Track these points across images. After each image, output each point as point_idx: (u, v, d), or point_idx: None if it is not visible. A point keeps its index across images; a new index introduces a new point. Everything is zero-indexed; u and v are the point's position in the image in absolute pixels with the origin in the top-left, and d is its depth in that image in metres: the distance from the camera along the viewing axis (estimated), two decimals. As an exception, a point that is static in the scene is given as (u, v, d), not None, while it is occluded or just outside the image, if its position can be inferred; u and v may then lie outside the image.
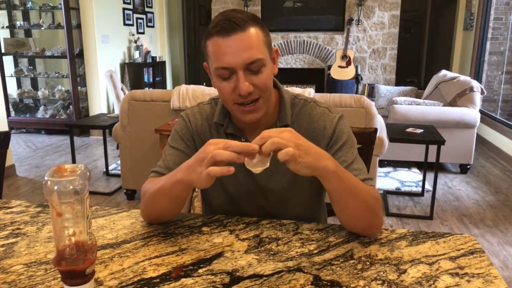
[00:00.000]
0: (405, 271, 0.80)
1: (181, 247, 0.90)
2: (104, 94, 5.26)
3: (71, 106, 5.18)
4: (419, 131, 2.96)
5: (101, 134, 4.48)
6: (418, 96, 4.80)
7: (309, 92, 2.74)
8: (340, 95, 2.73)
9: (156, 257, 0.86)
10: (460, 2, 5.83)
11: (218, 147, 0.81)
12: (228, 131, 1.06)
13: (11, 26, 5.31)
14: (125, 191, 3.19)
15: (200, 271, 0.81)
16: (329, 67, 5.99)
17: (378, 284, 0.76)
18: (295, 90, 2.99)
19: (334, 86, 5.76)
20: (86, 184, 0.68)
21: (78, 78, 5.21)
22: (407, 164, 3.95)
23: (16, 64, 5.49)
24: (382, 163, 3.90)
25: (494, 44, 5.07)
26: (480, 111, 3.86)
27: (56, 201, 0.66)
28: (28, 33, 5.43)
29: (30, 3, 5.14)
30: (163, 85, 6.62)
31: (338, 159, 1.00)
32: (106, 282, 0.77)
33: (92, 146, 4.77)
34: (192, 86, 2.89)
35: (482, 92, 3.76)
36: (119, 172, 3.59)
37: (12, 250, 0.89)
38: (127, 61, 5.79)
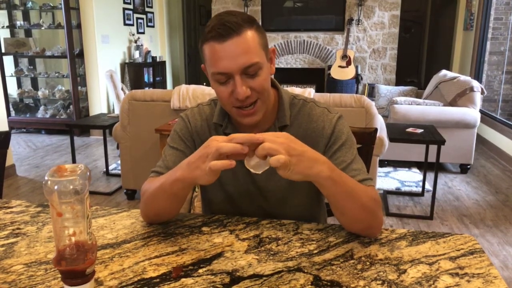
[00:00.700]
0: (405, 271, 0.80)
1: (181, 247, 0.90)
2: (104, 94, 5.26)
3: (71, 106, 5.18)
4: (419, 131, 2.96)
5: (101, 134, 4.49)
6: (418, 96, 4.80)
7: (309, 92, 2.74)
8: (340, 95, 2.73)
9: (156, 257, 0.86)
10: (460, 2, 5.83)
11: (222, 141, 0.81)
12: (227, 131, 1.06)
13: (11, 26, 5.31)
14: (125, 191, 3.20)
15: (200, 271, 0.81)
16: (329, 67, 5.99)
17: (378, 284, 0.76)
18: (295, 90, 2.99)
19: (334, 86, 5.76)
20: (86, 184, 0.68)
21: (78, 78, 5.21)
22: (407, 164, 3.95)
23: (16, 64, 5.49)
24: (382, 163, 3.90)
25: (494, 44, 5.07)
26: (480, 111, 3.86)
27: (56, 201, 0.66)
28: (28, 33, 5.43)
29: (30, 3, 5.14)
30: (163, 85, 6.62)
31: (337, 159, 1.01)
32: (106, 282, 0.77)
33: (92, 146, 4.77)
34: (192, 86, 2.89)
35: (482, 92, 3.76)
36: (119, 172, 3.59)
37: (12, 250, 0.89)
38: (127, 61, 5.79)
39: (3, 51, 5.10)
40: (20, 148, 4.65)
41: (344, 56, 5.76)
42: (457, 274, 0.79)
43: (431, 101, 3.82)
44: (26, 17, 5.37)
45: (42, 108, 5.37)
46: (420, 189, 3.34)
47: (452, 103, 3.82)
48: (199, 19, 8.66)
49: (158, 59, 6.38)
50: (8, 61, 5.34)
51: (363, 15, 5.95)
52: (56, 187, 0.65)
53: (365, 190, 0.93)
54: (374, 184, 1.19)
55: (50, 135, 5.23)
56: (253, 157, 0.82)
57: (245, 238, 0.94)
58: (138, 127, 2.98)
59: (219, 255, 0.86)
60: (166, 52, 7.03)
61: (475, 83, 3.74)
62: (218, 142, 0.82)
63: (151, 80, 6.12)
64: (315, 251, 0.88)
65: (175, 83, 7.41)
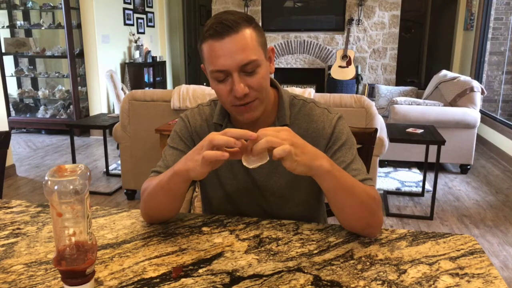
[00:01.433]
0: (405, 271, 0.80)
1: (181, 247, 0.90)
2: (105, 94, 5.26)
3: (71, 106, 5.18)
4: (420, 131, 2.96)
5: (101, 134, 4.49)
6: (419, 96, 4.80)
7: (309, 92, 2.74)
8: (341, 95, 2.73)
9: (156, 257, 0.86)
10: (460, 2, 5.83)
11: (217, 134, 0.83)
12: (227, 131, 1.07)
13: (12, 26, 5.31)
14: (125, 191, 3.20)
15: (200, 271, 0.81)
16: (330, 67, 5.99)
17: (378, 284, 0.76)
18: (295, 90, 2.99)
19: (335, 86, 5.76)
20: (86, 184, 0.68)
21: (79, 78, 5.21)
22: (407, 164, 3.95)
23: (16, 64, 5.49)
24: (383, 163, 3.90)
25: (495, 44, 5.07)
26: (481, 111, 3.86)
27: (56, 201, 0.66)
28: (28, 33, 5.43)
29: (30, 3, 5.14)
30: (163, 85, 6.63)
31: (337, 159, 1.01)
32: (106, 282, 0.77)
33: (93, 146, 4.77)
34: (192, 86, 2.89)
35: (482, 92, 3.76)
36: (120, 172, 3.59)
37: (12, 250, 0.89)
38: (127, 61, 5.79)
39: (3, 51, 5.10)
40: (20, 148, 4.65)
41: (344, 56, 5.76)
42: (457, 274, 0.79)
43: (431, 101, 3.82)
44: (26, 17, 5.37)
45: (42, 108, 5.37)
46: (420, 189, 3.34)
47: (452, 103, 3.81)
48: (199, 19, 8.66)
49: (158, 59, 6.38)
50: (8, 61, 5.34)
51: (363, 15, 5.95)
52: (56, 187, 0.65)
53: (364, 188, 0.93)
54: (374, 184, 1.19)
55: (50, 135, 5.23)
56: (250, 156, 0.82)
57: (245, 238, 0.94)
58: (138, 127, 2.98)
59: (219, 255, 0.87)
60: (166, 52, 7.03)
61: (475, 83, 3.74)
62: (213, 135, 0.83)
63: (151, 80, 6.13)
64: (315, 251, 0.88)
65: (175, 83, 7.41)
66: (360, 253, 0.87)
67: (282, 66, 6.33)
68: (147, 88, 5.75)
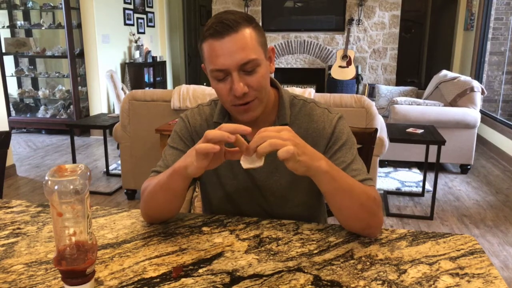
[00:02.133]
0: (405, 271, 0.80)
1: (181, 247, 0.90)
2: (105, 94, 5.26)
3: (71, 106, 5.18)
4: (420, 131, 2.96)
5: (101, 134, 4.49)
6: (419, 96, 4.80)
7: (309, 92, 2.74)
8: (341, 95, 2.73)
9: (157, 257, 0.86)
10: (460, 2, 5.82)
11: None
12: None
13: (12, 26, 5.31)
14: (125, 191, 3.20)
15: (200, 271, 0.81)
16: (330, 67, 5.99)
17: (378, 284, 0.76)
18: (295, 90, 2.99)
19: (335, 86, 5.76)
20: (86, 184, 0.68)
21: (79, 78, 5.21)
22: (408, 164, 3.95)
23: (16, 63, 5.50)
24: (383, 163, 3.90)
25: (495, 44, 5.07)
26: (481, 111, 3.86)
27: (56, 200, 0.66)
28: (28, 33, 5.44)
29: (30, 3, 5.15)
30: (163, 85, 6.62)
31: (337, 159, 1.01)
32: (107, 282, 0.77)
33: (93, 146, 4.78)
34: (192, 86, 2.89)
35: (482, 92, 3.75)
36: (120, 172, 3.60)
37: (13, 249, 0.89)
38: (127, 61, 5.79)
39: (3, 51, 5.10)
40: (20, 148, 4.65)
41: (345, 56, 5.76)
42: (457, 274, 0.79)
43: (431, 101, 3.82)
44: (26, 17, 5.37)
45: (42, 108, 5.37)
46: (420, 189, 3.34)
47: (453, 103, 3.81)
48: (199, 19, 8.66)
49: (158, 59, 6.38)
50: (9, 61, 5.34)
51: (364, 15, 5.95)
52: (56, 187, 0.65)
53: (364, 189, 0.93)
54: (375, 184, 1.19)
55: (51, 135, 5.23)
56: (248, 157, 0.82)
57: (245, 238, 0.94)
58: (138, 127, 2.98)
59: (219, 255, 0.87)
60: (167, 52, 7.03)
61: (475, 83, 3.74)
62: (209, 130, 0.83)
63: (152, 80, 6.13)
64: (315, 251, 0.88)
65: (176, 83, 7.41)
66: (360, 253, 0.87)
67: (282, 66, 6.33)
68: (147, 88, 5.75)
